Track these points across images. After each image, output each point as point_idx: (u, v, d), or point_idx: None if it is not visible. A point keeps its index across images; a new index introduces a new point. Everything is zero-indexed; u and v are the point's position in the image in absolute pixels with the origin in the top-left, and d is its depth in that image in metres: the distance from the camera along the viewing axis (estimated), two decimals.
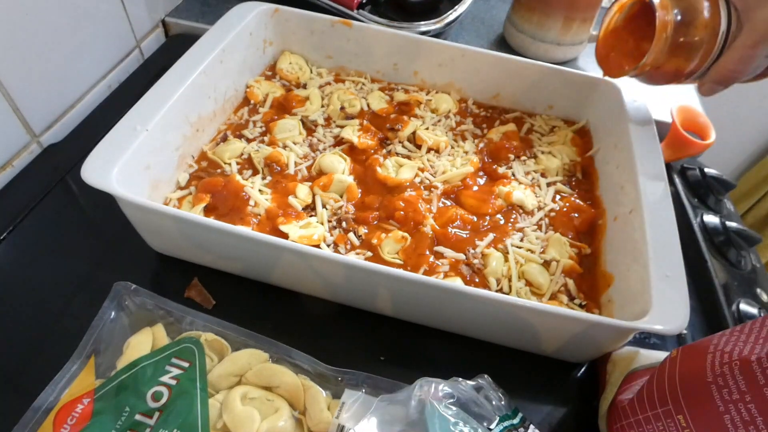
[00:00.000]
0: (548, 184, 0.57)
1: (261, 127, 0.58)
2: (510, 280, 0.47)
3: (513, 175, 0.57)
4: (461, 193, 0.54)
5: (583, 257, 0.51)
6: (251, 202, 0.49)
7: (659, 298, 0.39)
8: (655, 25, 0.41)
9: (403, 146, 0.59)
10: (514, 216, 0.53)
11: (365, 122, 0.60)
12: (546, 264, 0.49)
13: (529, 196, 0.54)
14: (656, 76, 0.46)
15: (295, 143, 0.56)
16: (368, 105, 0.63)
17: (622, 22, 0.50)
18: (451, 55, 0.63)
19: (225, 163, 0.53)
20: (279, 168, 0.53)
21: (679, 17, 0.40)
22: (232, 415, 0.35)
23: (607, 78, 0.60)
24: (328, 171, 0.53)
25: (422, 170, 0.55)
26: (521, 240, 0.51)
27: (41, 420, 0.34)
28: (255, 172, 0.53)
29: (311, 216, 0.50)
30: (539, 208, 0.54)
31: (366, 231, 0.49)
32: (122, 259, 0.49)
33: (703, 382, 0.29)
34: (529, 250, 0.50)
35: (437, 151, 0.58)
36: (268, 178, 0.53)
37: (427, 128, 0.60)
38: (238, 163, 0.54)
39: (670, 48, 0.41)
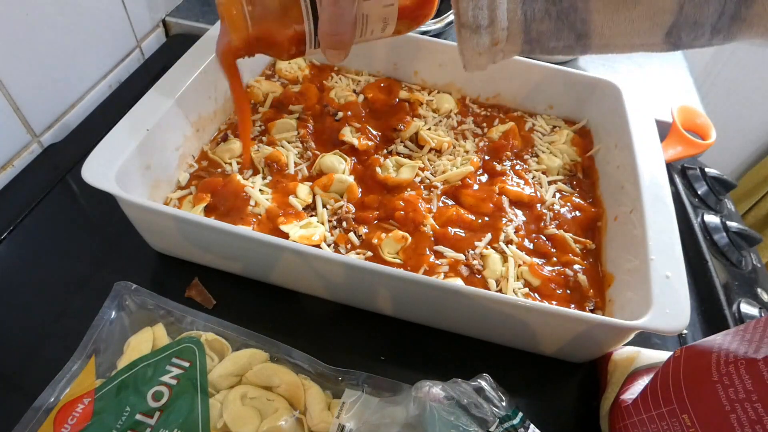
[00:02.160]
0: (549, 183, 0.57)
1: (260, 126, 0.58)
2: (509, 281, 0.47)
3: (512, 171, 0.57)
4: (461, 192, 0.54)
5: (588, 253, 0.51)
6: (252, 202, 0.49)
7: (659, 298, 0.39)
8: None
9: (405, 146, 0.59)
10: (513, 214, 0.53)
11: (362, 115, 0.60)
12: (547, 262, 0.49)
13: (529, 191, 0.54)
14: (272, 49, 0.38)
15: (290, 142, 0.56)
16: (365, 97, 0.63)
17: None
18: (452, 55, 0.63)
19: (225, 163, 0.53)
20: (279, 168, 0.53)
21: None
22: (233, 414, 0.35)
23: (606, 80, 0.60)
24: (328, 171, 0.53)
25: (422, 169, 0.55)
26: (521, 240, 0.51)
27: (42, 420, 0.34)
28: (256, 172, 0.53)
29: (312, 216, 0.49)
30: (540, 203, 0.54)
31: (366, 231, 0.49)
32: (122, 259, 0.49)
33: (708, 382, 0.29)
34: (526, 249, 0.50)
35: (439, 151, 0.58)
36: (269, 177, 0.53)
37: (429, 128, 0.60)
38: (238, 163, 0.54)
39: (253, 22, 0.35)
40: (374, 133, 0.59)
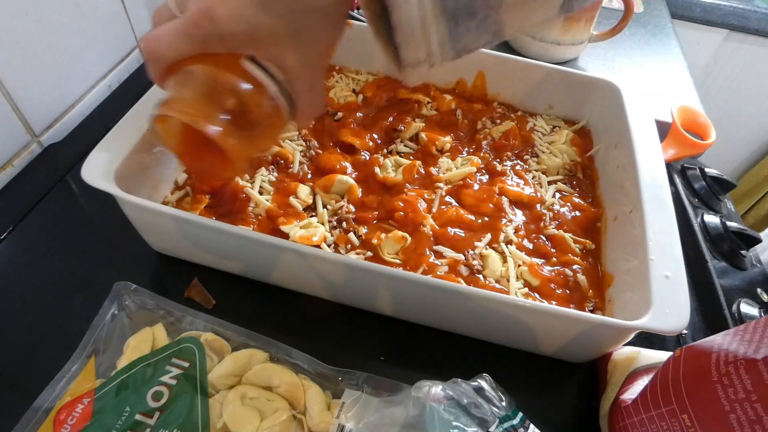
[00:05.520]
0: (549, 183, 0.57)
1: None
2: (509, 281, 0.47)
3: (512, 171, 0.57)
4: (461, 192, 0.54)
5: (588, 253, 0.51)
6: (251, 203, 0.49)
7: (659, 298, 0.39)
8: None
9: (405, 145, 0.59)
10: (513, 214, 0.53)
11: (358, 115, 0.60)
12: (547, 262, 0.49)
13: (529, 191, 0.54)
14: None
15: (292, 141, 0.56)
16: (364, 97, 0.63)
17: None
18: None
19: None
20: (285, 165, 0.53)
21: (227, 117, 0.31)
22: (232, 415, 0.35)
23: (606, 80, 0.60)
24: (328, 171, 0.53)
25: (424, 169, 0.55)
26: (521, 240, 0.51)
27: (41, 420, 0.34)
28: (258, 165, 0.53)
29: (312, 216, 0.49)
30: (540, 203, 0.54)
31: (366, 231, 0.49)
32: (122, 259, 0.49)
33: (708, 382, 0.29)
34: (525, 249, 0.50)
35: (441, 151, 0.58)
36: (275, 174, 0.52)
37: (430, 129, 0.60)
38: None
39: (240, 130, 0.32)
40: (374, 135, 0.59)
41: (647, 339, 0.48)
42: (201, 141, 0.31)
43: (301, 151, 0.55)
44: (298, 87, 0.32)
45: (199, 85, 0.30)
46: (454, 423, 0.34)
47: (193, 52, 0.30)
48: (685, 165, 0.68)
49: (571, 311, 0.39)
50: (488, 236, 0.49)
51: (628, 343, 0.43)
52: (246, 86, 0.31)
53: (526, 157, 0.60)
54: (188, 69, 0.30)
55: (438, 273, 0.46)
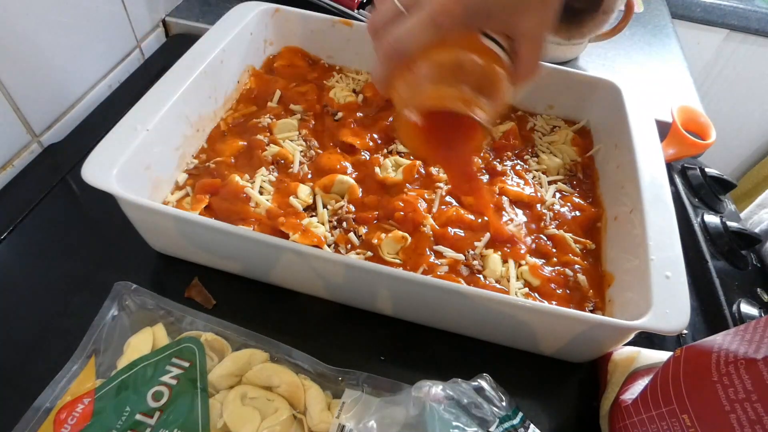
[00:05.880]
0: (549, 183, 0.57)
1: (270, 118, 0.58)
2: (509, 281, 0.47)
3: (512, 171, 0.57)
4: None
5: (588, 253, 0.51)
6: (252, 203, 0.49)
7: (659, 298, 0.39)
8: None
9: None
10: (513, 214, 0.53)
11: (358, 115, 0.60)
12: (547, 262, 0.49)
13: (529, 191, 0.54)
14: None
15: (293, 141, 0.56)
16: (364, 97, 0.63)
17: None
18: None
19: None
20: (286, 164, 0.53)
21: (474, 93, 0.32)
22: (232, 414, 0.35)
23: (606, 80, 0.60)
24: (328, 171, 0.53)
25: (425, 169, 0.55)
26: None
27: (42, 420, 0.34)
28: (259, 165, 0.53)
29: (312, 216, 0.49)
30: (540, 203, 0.54)
31: (366, 231, 0.49)
32: (122, 259, 0.49)
33: (708, 382, 0.29)
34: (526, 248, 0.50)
35: None
36: (275, 174, 0.52)
37: None
38: (237, 159, 0.54)
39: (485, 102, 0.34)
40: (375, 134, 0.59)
41: (647, 339, 0.48)
42: (438, 128, 0.33)
43: (301, 151, 0.55)
44: (523, 50, 0.32)
45: (445, 71, 0.32)
46: (454, 423, 0.34)
47: (436, 40, 0.30)
48: (685, 165, 0.68)
49: (571, 311, 0.39)
50: (488, 236, 0.49)
51: (629, 343, 0.43)
52: (480, 61, 0.32)
53: (526, 157, 0.60)
54: (432, 59, 0.31)
55: (438, 273, 0.46)
